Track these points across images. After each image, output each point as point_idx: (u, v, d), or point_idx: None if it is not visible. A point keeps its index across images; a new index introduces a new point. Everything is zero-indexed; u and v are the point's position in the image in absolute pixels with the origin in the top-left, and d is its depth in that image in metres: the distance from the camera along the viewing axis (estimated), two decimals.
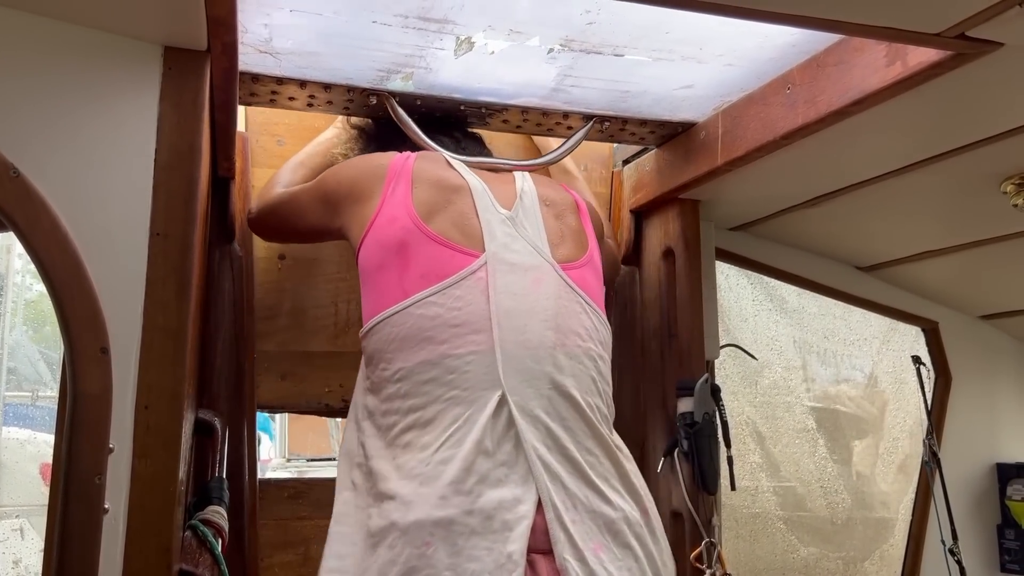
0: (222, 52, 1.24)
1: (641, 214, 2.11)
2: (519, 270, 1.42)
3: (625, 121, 1.80)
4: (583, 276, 1.50)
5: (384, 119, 1.70)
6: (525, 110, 1.74)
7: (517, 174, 1.65)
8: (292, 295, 1.88)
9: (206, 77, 1.25)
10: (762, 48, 1.49)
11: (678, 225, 1.97)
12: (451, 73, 1.60)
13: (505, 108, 1.73)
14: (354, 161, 1.65)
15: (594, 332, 1.46)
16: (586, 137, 1.80)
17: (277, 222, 1.72)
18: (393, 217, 1.45)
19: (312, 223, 1.64)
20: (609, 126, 1.80)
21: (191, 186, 1.21)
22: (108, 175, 1.16)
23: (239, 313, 1.77)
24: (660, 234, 2.04)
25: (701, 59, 1.54)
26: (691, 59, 1.54)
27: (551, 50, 1.51)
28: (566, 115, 1.77)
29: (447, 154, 1.62)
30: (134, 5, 1.13)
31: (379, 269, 1.43)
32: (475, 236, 1.43)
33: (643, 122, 1.81)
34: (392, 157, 1.57)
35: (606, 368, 1.49)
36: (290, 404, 1.86)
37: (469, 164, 1.62)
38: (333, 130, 1.87)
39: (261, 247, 1.87)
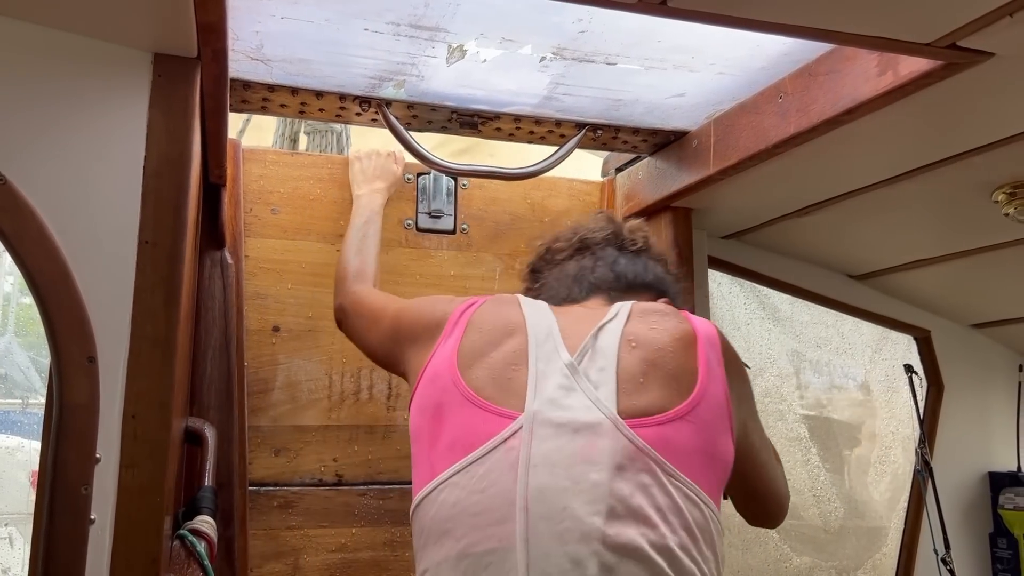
0: (212, 59, 1.24)
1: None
2: (566, 433, 1.07)
3: (618, 129, 1.80)
4: (668, 435, 1.08)
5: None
6: (518, 118, 1.75)
7: (616, 305, 1.28)
8: (286, 368, 1.86)
9: (196, 84, 1.24)
10: (754, 57, 1.50)
11: (671, 233, 1.97)
12: (443, 81, 1.61)
13: (497, 116, 1.74)
14: (422, 301, 1.44)
15: (676, 514, 1.04)
16: (579, 145, 1.80)
17: (359, 327, 1.61)
18: (436, 374, 1.21)
19: (382, 356, 1.50)
20: (602, 134, 1.80)
21: (181, 194, 1.20)
22: (97, 183, 1.15)
23: (229, 321, 1.76)
24: None
25: (693, 68, 1.54)
26: (683, 68, 1.54)
27: (543, 58, 1.51)
28: (559, 123, 1.78)
29: (521, 298, 1.34)
30: (123, 12, 1.12)
31: (416, 438, 1.20)
32: (517, 391, 1.11)
33: (635, 130, 1.81)
34: (459, 302, 1.34)
35: (695, 566, 1.04)
36: (283, 480, 1.83)
37: (465, 173, 1.56)
38: (365, 197, 1.84)
39: (253, 319, 1.85)
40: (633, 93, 1.66)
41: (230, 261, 1.79)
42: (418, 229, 2.00)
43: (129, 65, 1.19)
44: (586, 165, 2.68)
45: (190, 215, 1.24)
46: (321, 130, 6.05)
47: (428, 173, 2.00)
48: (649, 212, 2.02)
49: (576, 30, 1.41)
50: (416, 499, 1.14)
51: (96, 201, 1.15)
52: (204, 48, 1.21)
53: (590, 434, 1.07)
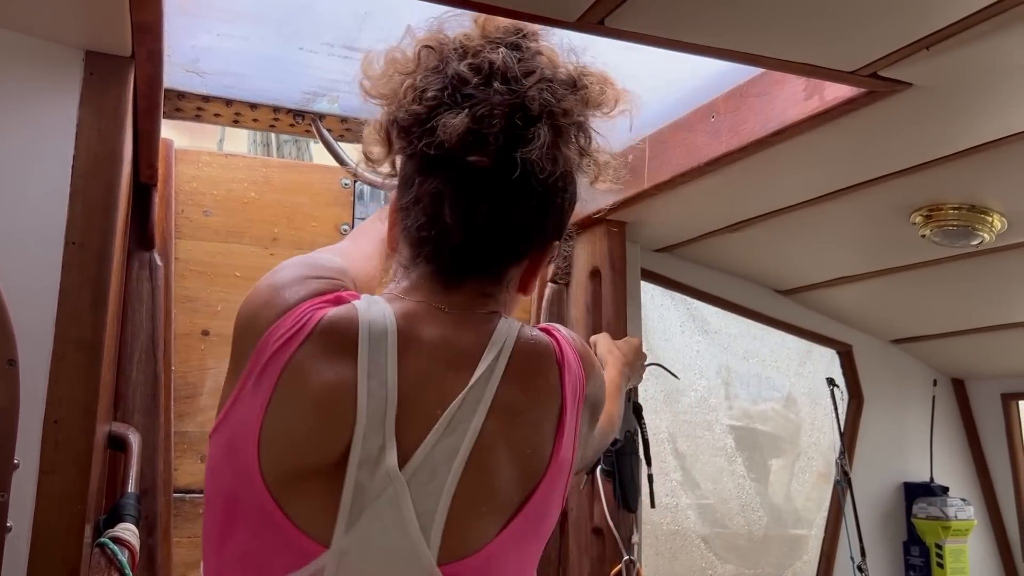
0: (147, 59, 1.22)
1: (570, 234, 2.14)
2: None
3: None
4: (490, 569, 0.86)
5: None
6: None
7: (498, 331, 0.93)
8: (215, 374, 1.83)
9: (129, 83, 1.22)
10: (688, 77, 1.53)
11: (605, 246, 2.01)
12: None
13: None
14: (271, 277, 0.98)
15: None
16: None
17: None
18: (234, 444, 0.86)
19: None
20: None
21: (110, 194, 1.18)
22: (22, 181, 1.12)
23: (157, 324, 1.73)
24: (587, 254, 2.07)
25: (627, 86, 1.57)
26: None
27: None
28: None
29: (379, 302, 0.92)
30: (54, 8, 1.10)
31: (208, 508, 0.89)
32: (327, 513, 0.83)
33: None
34: (288, 304, 0.90)
35: None
36: None
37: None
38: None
39: (182, 323, 1.81)
40: None
41: (159, 263, 1.75)
42: None
43: (59, 62, 1.16)
44: None
45: (119, 216, 1.22)
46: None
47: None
48: (584, 225, 2.05)
49: None
50: None
51: (21, 199, 1.12)
52: (139, 48, 1.19)
53: None
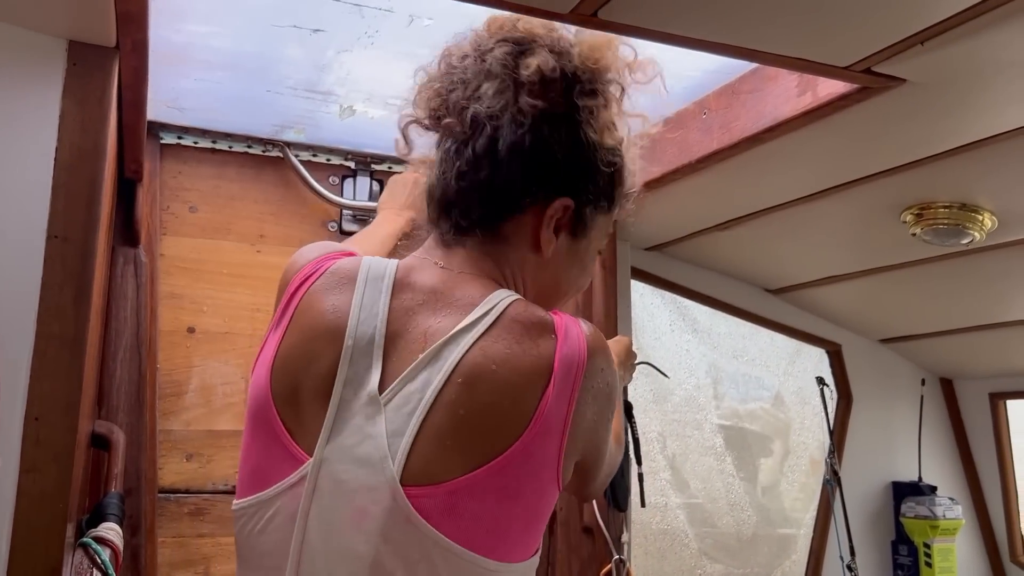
0: (132, 50, 1.20)
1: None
2: (344, 492, 0.93)
3: None
4: (453, 505, 0.91)
5: None
6: (405, 160, 1.84)
7: (495, 295, 0.98)
8: (201, 371, 1.81)
9: (114, 75, 1.20)
10: (680, 74, 1.52)
11: None
12: (338, 130, 1.87)
13: (387, 158, 1.97)
14: (289, 260, 1.12)
15: None
16: None
17: None
18: (258, 374, 1.02)
19: None
20: None
21: (94, 187, 1.16)
22: (2, 172, 1.10)
23: (142, 321, 1.70)
24: None
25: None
26: None
27: None
28: None
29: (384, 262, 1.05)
30: None
31: (245, 435, 1.04)
32: (314, 425, 0.95)
33: None
34: (310, 259, 1.07)
35: None
36: (195, 487, 1.77)
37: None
38: (388, 220, 1.57)
39: (167, 320, 1.79)
40: None
41: (144, 259, 1.72)
42: (342, 232, 1.97)
43: (42, 52, 1.14)
44: None
45: (103, 210, 1.19)
46: None
47: (353, 176, 1.99)
48: None
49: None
50: (233, 504, 1.03)
51: (1, 191, 1.10)
52: (123, 38, 1.17)
53: (366, 498, 0.92)
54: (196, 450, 1.78)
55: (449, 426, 0.91)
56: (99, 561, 1.28)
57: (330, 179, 1.96)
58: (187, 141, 1.84)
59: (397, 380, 0.94)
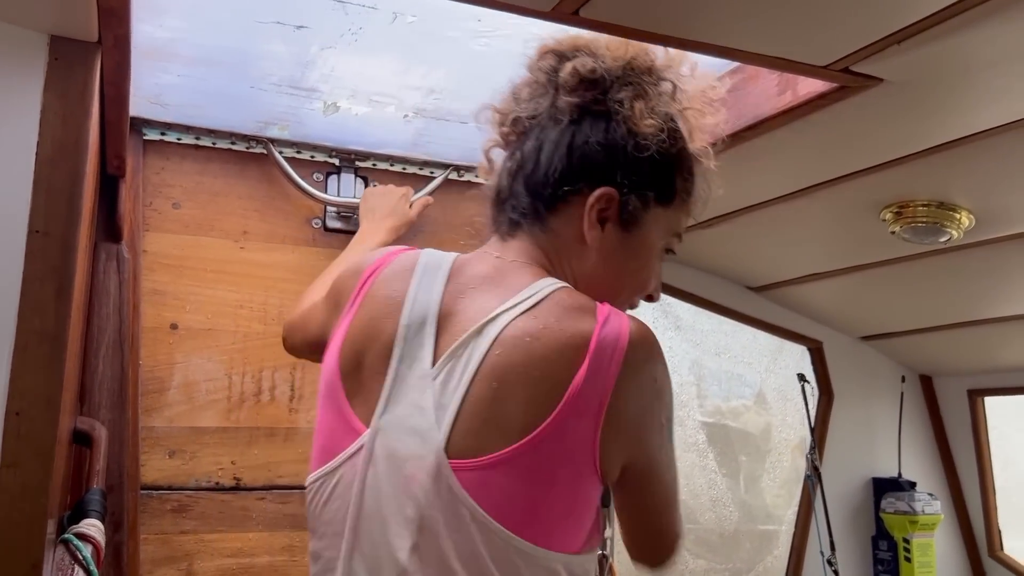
0: (114, 44, 1.19)
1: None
2: (396, 460, 0.99)
3: None
4: (488, 480, 0.95)
5: None
6: (390, 157, 1.99)
7: (542, 283, 1.03)
8: (184, 368, 1.80)
9: (96, 69, 1.19)
10: None
11: None
12: (322, 127, 1.87)
13: (371, 155, 1.99)
14: (348, 259, 1.31)
15: (477, 562, 0.94)
16: (445, 181, 2.02)
17: (298, 336, 1.40)
18: (329, 356, 1.11)
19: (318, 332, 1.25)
20: (468, 173, 2.03)
21: (75, 182, 1.15)
22: None
23: (124, 317, 1.70)
24: None
25: None
26: None
27: (406, 116, 1.80)
28: (426, 163, 2.02)
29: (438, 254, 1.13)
30: None
31: (318, 415, 1.14)
32: (371, 401, 1.03)
33: None
34: (373, 261, 1.15)
35: None
36: (178, 483, 1.76)
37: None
38: (367, 232, 1.75)
39: (150, 316, 1.78)
40: None
41: (127, 255, 1.72)
42: (326, 229, 1.97)
43: (22, 46, 1.14)
44: None
45: (85, 205, 1.19)
46: None
47: (337, 173, 1.99)
48: None
49: (431, 97, 1.71)
50: (306, 480, 1.10)
51: None
52: (106, 33, 1.16)
53: (415, 466, 0.97)
54: (179, 447, 1.78)
55: (488, 398, 0.96)
56: (81, 557, 1.28)
57: (314, 176, 1.95)
58: (170, 137, 1.82)
59: (445, 355, 1.00)
